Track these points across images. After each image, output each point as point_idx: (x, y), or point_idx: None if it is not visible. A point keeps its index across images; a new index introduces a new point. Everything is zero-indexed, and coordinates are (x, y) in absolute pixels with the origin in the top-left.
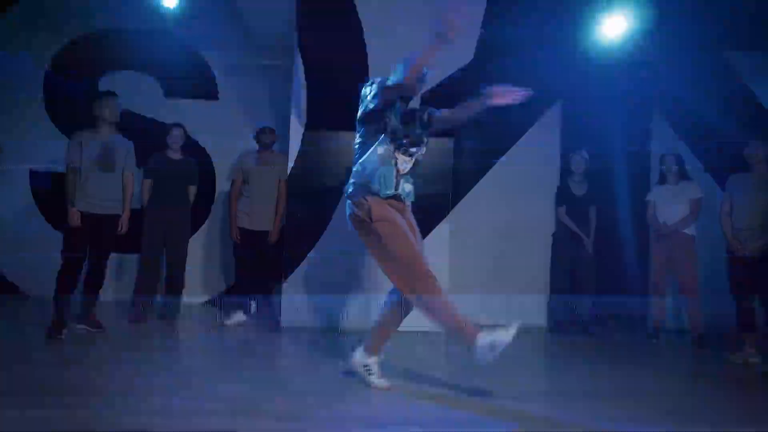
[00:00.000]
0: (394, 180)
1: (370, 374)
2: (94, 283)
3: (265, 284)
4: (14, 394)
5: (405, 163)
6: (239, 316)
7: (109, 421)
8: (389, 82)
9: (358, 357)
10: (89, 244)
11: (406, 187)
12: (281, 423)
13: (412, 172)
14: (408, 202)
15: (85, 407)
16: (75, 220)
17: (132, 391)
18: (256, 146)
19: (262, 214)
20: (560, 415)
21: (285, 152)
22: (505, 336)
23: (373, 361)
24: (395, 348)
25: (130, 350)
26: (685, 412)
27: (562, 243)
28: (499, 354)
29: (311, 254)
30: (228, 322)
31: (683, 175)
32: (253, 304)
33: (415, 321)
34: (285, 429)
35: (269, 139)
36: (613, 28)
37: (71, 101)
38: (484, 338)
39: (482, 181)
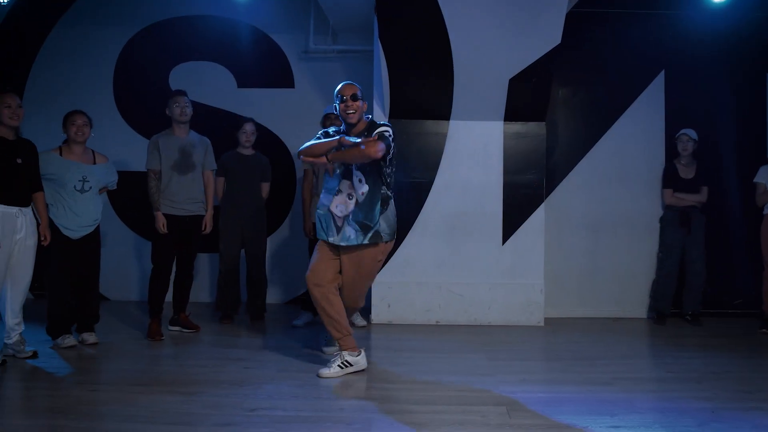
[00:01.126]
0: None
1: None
2: (185, 284)
3: None
4: (145, 384)
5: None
6: (307, 317)
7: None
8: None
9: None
10: (177, 246)
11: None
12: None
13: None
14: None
15: (209, 395)
16: (162, 226)
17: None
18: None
19: None
20: (630, 398)
21: None
22: (358, 365)
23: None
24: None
25: (226, 348)
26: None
27: (671, 228)
28: (343, 374)
29: (400, 249)
30: (297, 323)
31: None
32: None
33: None
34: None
35: (333, 124)
36: None
37: (142, 97)
38: (351, 354)
39: (579, 164)
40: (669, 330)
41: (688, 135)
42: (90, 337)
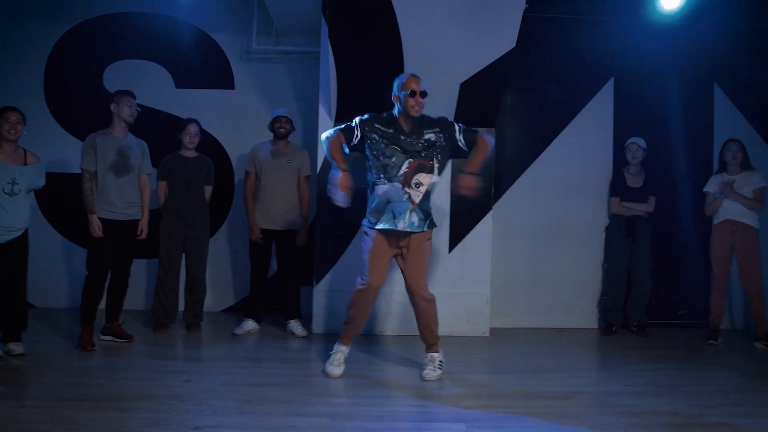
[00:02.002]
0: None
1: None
2: (119, 292)
3: (290, 289)
4: (77, 399)
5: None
6: (249, 325)
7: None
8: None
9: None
10: (113, 252)
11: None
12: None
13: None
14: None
15: (149, 411)
16: (97, 229)
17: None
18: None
19: (276, 212)
20: (590, 413)
21: (312, 147)
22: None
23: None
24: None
25: (163, 359)
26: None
27: (617, 237)
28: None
29: (344, 256)
30: (238, 331)
31: (746, 165)
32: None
33: None
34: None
35: (284, 128)
36: None
37: (75, 95)
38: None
39: (527, 172)
40: (617, 341)
41: (638, 144)
42: (17, 348)
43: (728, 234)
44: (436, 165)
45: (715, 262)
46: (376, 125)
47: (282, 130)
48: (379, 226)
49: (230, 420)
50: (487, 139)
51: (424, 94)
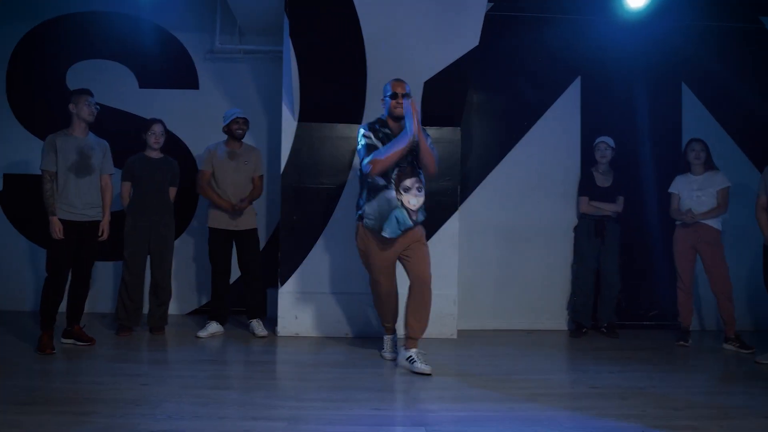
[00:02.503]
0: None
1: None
2: (80, 295)
3: (253, 288)
4: (31, 404)
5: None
6: (213, 327)
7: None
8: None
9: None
10: (73, 254)
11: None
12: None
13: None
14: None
15: (103, 416)
16: (58, 231)
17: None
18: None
19: (236, 212)
20: (555, 417)
21: (276, 148)
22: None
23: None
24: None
25: (123, 363)
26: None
27: (585, 237)
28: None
29: (308, 258)
30: (202, 334)
31: (710, 165)
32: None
33: None
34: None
35: (242, 129)
36: None
37: (37, 96)
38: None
39: (493, 172)
40: (586, 343)
41: (607, 143)
42: None
43: (690, 234)
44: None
45: (679, 261)
46: (378, 127)
47: (240, 131)
48: (386, 234)
49: (185, 424)
50: (434, 165)
51: (407, 96)
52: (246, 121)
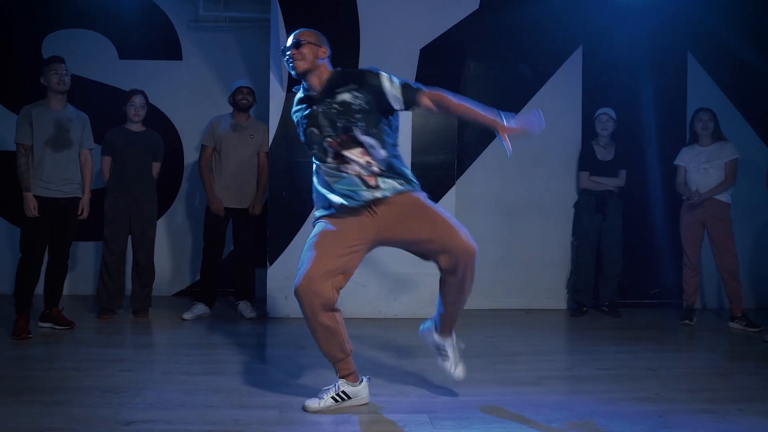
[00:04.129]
0: None
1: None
2: (57, 276)
3: (244, 269)
4: (3, 392)
5: None
6: (200, 309)
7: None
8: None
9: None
10: (50, 232)
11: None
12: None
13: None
14: None
15: (78, 405)
16: (32, 208)
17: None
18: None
19: (236, 189)
20: (565, 402)
21: (265, 119)
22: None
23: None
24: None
25: (104, 347)
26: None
27: (586, 213)
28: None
29: (298, 236)
30: (188, 316)
31: (718, 136)
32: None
33: None
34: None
35: (246, 100)
36: None
37: (12, 67)
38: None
39: (491, 145)
40: (587, 322)
41: (608, 114)
42: None
43: (698, 209)
44: (363, 136)
45: (685, 237)
46: (295, 107)
47: (244, 102)
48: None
49: (168, 414)
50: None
51: (297, 45)
52: (251, 92)
